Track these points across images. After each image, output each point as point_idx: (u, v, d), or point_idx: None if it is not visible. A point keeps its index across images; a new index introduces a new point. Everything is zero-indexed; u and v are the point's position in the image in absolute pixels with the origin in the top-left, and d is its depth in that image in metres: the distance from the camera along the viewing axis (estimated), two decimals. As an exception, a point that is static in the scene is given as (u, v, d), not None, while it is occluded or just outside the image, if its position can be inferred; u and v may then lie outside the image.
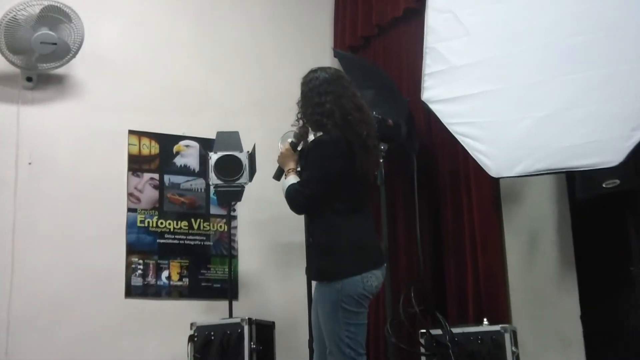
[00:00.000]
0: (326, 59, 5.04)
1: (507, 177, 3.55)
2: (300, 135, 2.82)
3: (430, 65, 3.75)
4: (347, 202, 2.67)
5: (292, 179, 2.72)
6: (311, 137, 2.82)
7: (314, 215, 2.71)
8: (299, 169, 2.82)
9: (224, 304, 4.36)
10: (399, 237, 4.56)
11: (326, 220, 2.65)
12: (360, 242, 2.65)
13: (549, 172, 3.35)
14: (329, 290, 2.60)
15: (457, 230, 4.24)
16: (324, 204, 2.64)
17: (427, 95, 3.76)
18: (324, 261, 2.64)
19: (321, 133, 2.74)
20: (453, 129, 3.62)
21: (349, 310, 2.58)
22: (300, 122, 2.78)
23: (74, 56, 4.40)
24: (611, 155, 3.04)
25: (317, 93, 2.70)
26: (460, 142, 3.59)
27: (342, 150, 2.64)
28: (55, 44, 4.24)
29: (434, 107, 3.73)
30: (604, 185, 3.24)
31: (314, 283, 2.86)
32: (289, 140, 2.83)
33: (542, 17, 3.38)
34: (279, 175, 2.87)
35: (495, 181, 3.98)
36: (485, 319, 3.68)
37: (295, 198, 2.66)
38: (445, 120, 3.67)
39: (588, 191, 3.35)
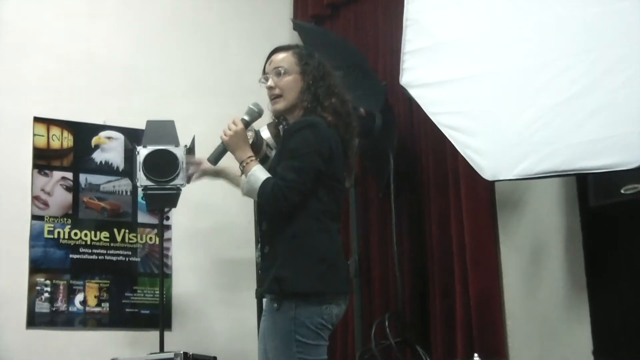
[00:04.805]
0: (284, 32, 5.12)
1: (505, 180, 3.53)
2: (258, 114, 2.74)
3: (412, 40, 3.75)
4: (328, 205, 2.65)
5: (260, 171, 2.61)
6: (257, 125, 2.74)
7: (284, 218, 2.62)
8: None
9: (154, 335, 4.36)
10: (372, 252, 4.59)
11: (298, 224, 2.60)
12: (334, 259, 2.63)
13: (555, 174, 3.35)
14: (280, 318, 2.56)
15: (443, 244, 4.26)
16: (302, 202, 2.60)
17: (407, 78, 3.74)
18: (284, 270, 2.57)
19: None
20: (438, 120, 3.60)
21: (305, 344, 2.54)
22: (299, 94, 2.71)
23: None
24: (632, 154, 3.01)
25: (325, 74, 2.75)
26: (448, 136, 3.56)
27: (335, 139, 2.65)
28: None
29: (415, 93, 3.70)
30: (622, 191, 3.23)
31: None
32: (245, 117, 2.71)
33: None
34: (218, 157, 2.73)
35: (491, 185, 3.99)
36: (476, 354, 3.67)
37: (283, 196, 2.54)
38: (428, 109, 3.66)
39: (603, 198, 3.35)
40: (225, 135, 2.67)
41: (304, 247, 2.58)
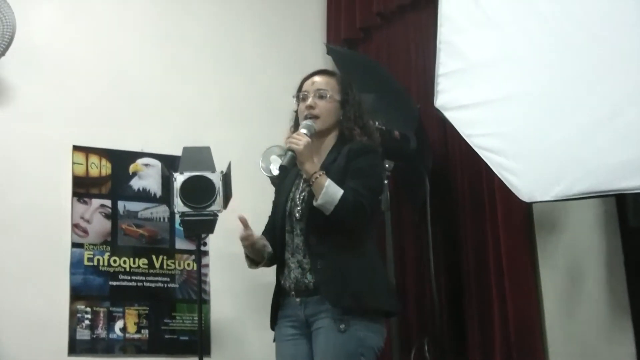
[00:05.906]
0: (318, 56, 5.12)
1: (543, 201, 3.51)
2: (314, 130, 2.75)
3: (445, 63, 3.76)
4: (374, 230, 2.79)
5: (335, 185, 2.63)
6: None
7: (343, 234, 2.65)
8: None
9: (193, 361, 4.32)
10: (408, 275, 4.56)
11: (362, 241, 2.68)
12: (389, 279, 2.84)
13: (594, 195, 3.31)
14: (347, 340, 2.56)
15: (480, 267, 4.22)
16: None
17: (442, 100, 3.75)
18: (360, 285, 2.59)
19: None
20: (474, 141, 3.61)
21: None
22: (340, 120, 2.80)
23: (2, 54, 4.35)
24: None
25: (365, 110, 2.89)
26: (483, 158, 3.56)
27: (383, 167, 2.83)
28: (-23, 39, 4.24)
29: (450, 115, 3.71)
30: (664, 211, 3.19)
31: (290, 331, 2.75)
32: (304, 131, 2.71)
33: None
34: (290, 164, 2.70)
35: (528, 206, 3.95)
36: (518, 378, 3.65)
37: (364, 209, 2.62)
38: (464, 131, 3.66)
39: (644, 218, 3.30)
40: (297, 145, 2.65)
41: (372, 265, 2.65)
